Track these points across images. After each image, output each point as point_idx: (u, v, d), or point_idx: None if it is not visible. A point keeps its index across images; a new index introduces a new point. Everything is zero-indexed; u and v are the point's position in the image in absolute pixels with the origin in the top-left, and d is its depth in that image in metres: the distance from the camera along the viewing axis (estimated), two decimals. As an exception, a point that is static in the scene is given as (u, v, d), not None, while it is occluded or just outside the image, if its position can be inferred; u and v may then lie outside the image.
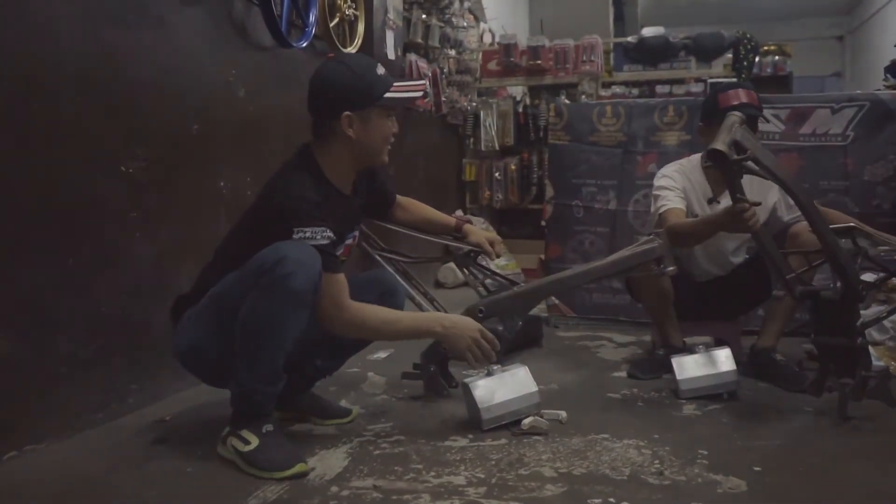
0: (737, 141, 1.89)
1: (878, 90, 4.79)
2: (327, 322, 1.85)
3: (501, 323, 2.13)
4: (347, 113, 1.85)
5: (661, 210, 2.52)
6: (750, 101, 2.50)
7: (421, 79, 2.41)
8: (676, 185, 2.58)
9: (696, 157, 2.68)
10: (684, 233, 2.37)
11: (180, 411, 2.22)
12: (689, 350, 2.39)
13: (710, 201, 2.56)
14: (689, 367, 2.30)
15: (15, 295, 1.85)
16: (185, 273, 2.26)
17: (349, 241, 2.01)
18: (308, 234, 1.75)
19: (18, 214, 1.86)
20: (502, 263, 4.40)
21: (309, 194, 1.79)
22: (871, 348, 2.60)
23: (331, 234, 1.79)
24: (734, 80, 5.61)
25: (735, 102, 2.47)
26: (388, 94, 1.88)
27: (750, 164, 1.93)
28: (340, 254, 1.95)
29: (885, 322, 2.71)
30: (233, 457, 1.76)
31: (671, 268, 2.15)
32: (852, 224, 2.14)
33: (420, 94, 1.99)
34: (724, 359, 2.29)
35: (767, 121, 2.54)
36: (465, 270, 2.28)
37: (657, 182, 2.63)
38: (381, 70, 1.92)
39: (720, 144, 1.86)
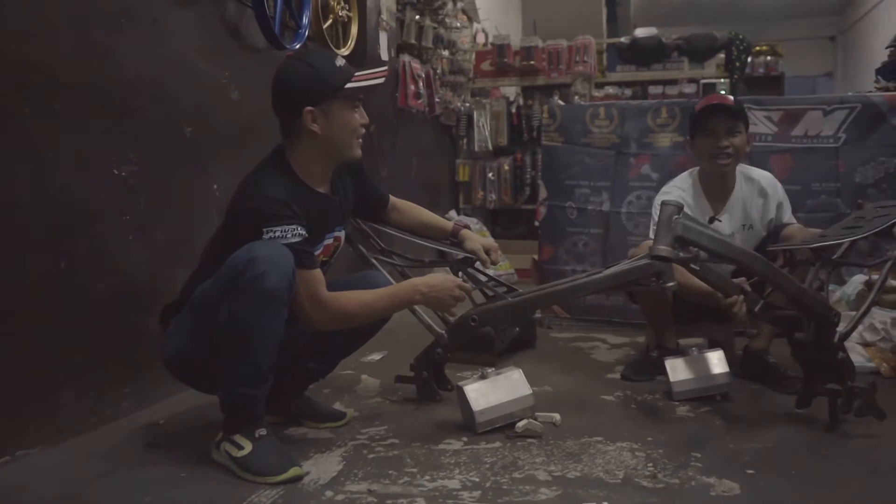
0: (679, 236, 1.86)
1: (870, 92, 4.81)
2: (307, 319, 1.85)
3: (494, 330, 2.13)
4: (309, 108, 1.84)
5: None
6: (728, 104, 2.54)
7: (383, 67, 2.30)
8: None
9: (694, 173, 2.66)
10: (685, 289, 2.35)
11: (174, 415, 2.22)
12: (683, 352, 2.40)
13: (711, 220, 2.57)
14: (682, 369, 2.31)
15: (7, 298, 1.84)
16: (179, 276, 2.24)
17: (328, 241, 1.99)
18: (278, 233, 1.75)
19: (11, 217, 1.85)
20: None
21: (276, 193, 1.79)
22: (862, 349, 2.63)
23: (302, 232, 1.78)
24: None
25: (713, 102, 2.54)
26: (348, 85, 1.87)
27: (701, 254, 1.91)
28: (319, 253, 1.94)
29: (876, 323, 2.73)
30: (227, 462, 1.76)
31: (671, 283, 2.13)
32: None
33: (381, 80, 1.94)
34: (716, 361, 2.30)
35: (736, 122, 2.51)
36: (461, 276, 2.27)
37: (655, 214, 2.54)
38: (340, 62, 1.90)
39: (662, 249, 1.82)
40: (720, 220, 2.58)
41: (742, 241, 2.60)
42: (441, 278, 1.99)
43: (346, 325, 1.96)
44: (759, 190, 2.59)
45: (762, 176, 2.65)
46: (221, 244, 1.85)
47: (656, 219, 2.54)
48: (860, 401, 1.98)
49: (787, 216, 2.62)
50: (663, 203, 1.90)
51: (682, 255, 1.86)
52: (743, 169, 2.62)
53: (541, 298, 2.24)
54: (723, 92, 6.06)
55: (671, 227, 1.83)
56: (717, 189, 2.58)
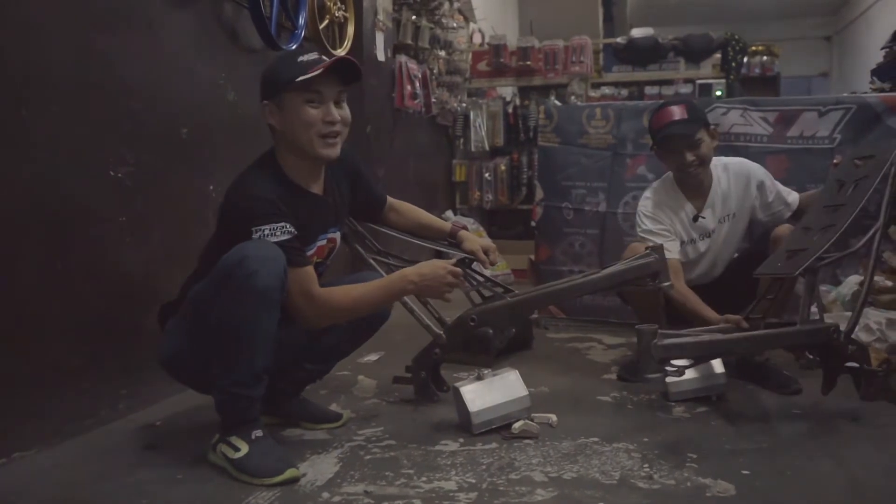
0: (662, 359, 1.88)
1: (865, 93, 4.82)
2: (301, 316, 1.85)
3: (492, 330, 2.14)
4: (264, 101, 1.85)
5: None
6: (680, 118, 2.51)
7: (336, 57, 2.28)
8: (664, 227, 2.58)
9: (668, 178, 2.71)
10: (679, 304, 2.41)
11: (171, 415, 2.22)
12: None
13: (696, 218, 2.62)
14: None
15: (3, 300, 1.84)
16: (176, 277, 2.24)
17: (322, 242, 1.99)
18: (267, 232, 1.75)
19: (6, 220, 1.85)
20: (492, 265, 4.40)
21: (262, 192, 1.79)
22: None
23: (291, 229, 1.78)
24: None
25: (665, 122, 2.52)
26: (299, 78, 1.80)
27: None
28: (313, 254, 1.94)
29: (871, 323, 2.73)
30: (223, 464, 1.76)
31: (667, 283, 2.16)
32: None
33: (319, 71, 1.80)
34: (713, 361, 2.30)
35: (693, 136, 2.50)
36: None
37: (641, 224, 2.62)
38: (307, 57, 1.83)
39: (652, 374, 1.84)
40: (704, 217, 2.63)
41: (728, 230, 2.66)
42: (432, 266, 1.97)
43: (340, 320, 1.96)
44: (736, 178, 2.64)
45: (735, 162, 2.70)
46: (216, 245, 1.86)
47: (641, 226, 2.58)
48: (873, 385, 2.02)
49: (775, 193, 2.64)
50: (638, 331, 1.88)
51: (669, 369, 1.86)
52: (717, 161, 2.65)
53: (539, 298, 2.26)
54: (719, 93, 6.08)
55: (652, 356, 1.84)
56: (695, 188, 2.63)
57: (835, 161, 2.38)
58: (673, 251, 2.50)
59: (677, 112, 2.55)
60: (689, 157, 2.51)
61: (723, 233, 2.65)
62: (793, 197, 2.65)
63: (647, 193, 2.70)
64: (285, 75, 1.83)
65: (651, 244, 2.41)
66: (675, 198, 2.64)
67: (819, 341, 2.04)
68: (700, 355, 1.86)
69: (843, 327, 2.08)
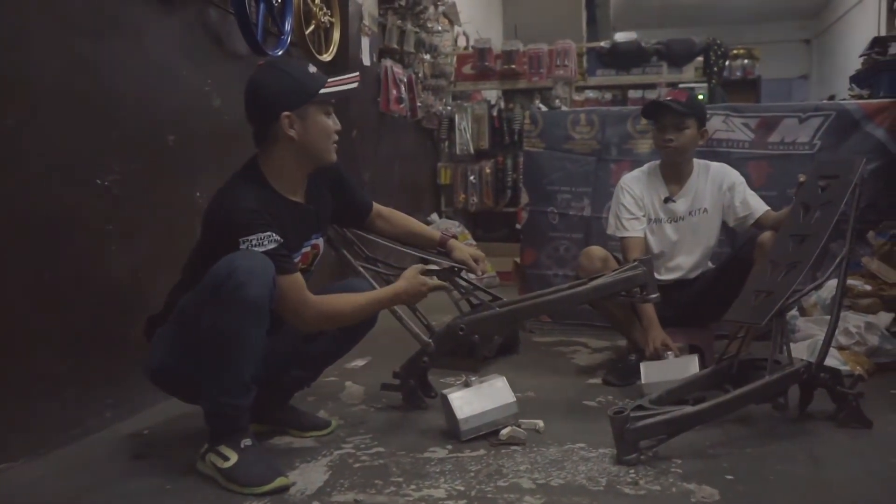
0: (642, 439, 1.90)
1: (844, 100, 4.89)
2: (295, 320, 1.87)
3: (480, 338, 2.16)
4: (286, 113, 1.86)
5: (621, 235, 2.75)
6: (677, 100, 2.74)
7: (355, 73, 2.23)
8: (635, 203, 2.76)
9: (655, 163, 2.86)
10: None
11: (158, 423, 2.21)
12: (660, 356, 2.43)
13: (667, 200, 2.77)
14: (654, 372, 2.34)
15: (-11, 311, 1.83)
16: (162, 285, 2.24)
17: (306, 249, 2.01)
18: (254, 242, 1.76)
19: (-8, 230, 1.84)
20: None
21: (246, 203, 1.80)
22: (837, 352, 2.68)
23: (278, 238, 1.80)
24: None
25: (650, 102, 2.85)
26: (323, 90, 1.90)
27: None
28: (298, 262, 1.95)
29: (851, 327, 2.78)
30: (212, 473, 1.76)
31: (654, 295, 2.19)
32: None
33: (353, 85, 1.98)
34: (691, 365, 2.33)
35: (681, 120, 2.65)
36: (448, 285, 2.28)
37: (617, 195, 2.81)
38: (312, 69, 1.94)
39: (627, 459, 1.86)
40: (675, 201, 2.77)
41: (698, 224, 2.78)
42: (414, 283, 2.02)
43: (334, 326, 2.00)
44: (713, 178, 2.78)
45: (714, 166, 2.85)
46: (200, 256, 1.86)
47: (619, 213, 2.76)
48: (845, 412, 2.08)
49: (742, 199, 2.71)
50: (610, 418, 1.89)
51: (643, 445, 1.87)
52: (703, 162, 2.83)
53: (528, 309, 2.27)
54: (701, 96, 6.13)
55: (626, 440, 1.85)
56: (674, 174, 2.80)
57: (800, 179, 2.41)
58: (638, 232, 2.72)
59: (679, 95, 2.76)
60: (669, 136, 2.67)
61: (692, 224, 2.77)
62: (760, 206, 2.70)
63: (636, 170, 2.89)
64: (311, 87, 1.88)
65: (622, 233, 2.67)
66: (653, 178, 2.81)
67: (790, 386, 2.10)
68: (673, 431, 1.90)
69: (826, 323, 2.13)
